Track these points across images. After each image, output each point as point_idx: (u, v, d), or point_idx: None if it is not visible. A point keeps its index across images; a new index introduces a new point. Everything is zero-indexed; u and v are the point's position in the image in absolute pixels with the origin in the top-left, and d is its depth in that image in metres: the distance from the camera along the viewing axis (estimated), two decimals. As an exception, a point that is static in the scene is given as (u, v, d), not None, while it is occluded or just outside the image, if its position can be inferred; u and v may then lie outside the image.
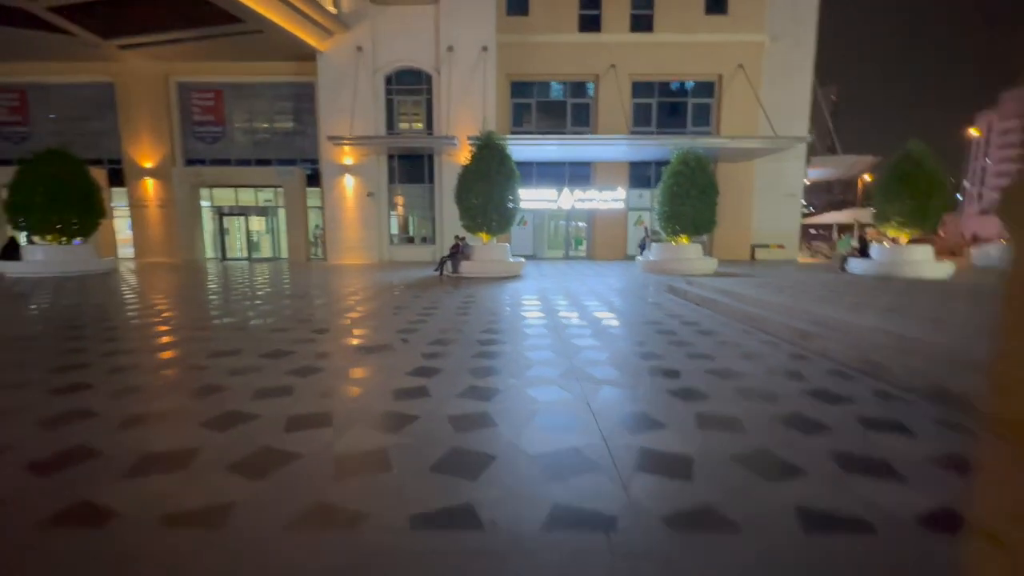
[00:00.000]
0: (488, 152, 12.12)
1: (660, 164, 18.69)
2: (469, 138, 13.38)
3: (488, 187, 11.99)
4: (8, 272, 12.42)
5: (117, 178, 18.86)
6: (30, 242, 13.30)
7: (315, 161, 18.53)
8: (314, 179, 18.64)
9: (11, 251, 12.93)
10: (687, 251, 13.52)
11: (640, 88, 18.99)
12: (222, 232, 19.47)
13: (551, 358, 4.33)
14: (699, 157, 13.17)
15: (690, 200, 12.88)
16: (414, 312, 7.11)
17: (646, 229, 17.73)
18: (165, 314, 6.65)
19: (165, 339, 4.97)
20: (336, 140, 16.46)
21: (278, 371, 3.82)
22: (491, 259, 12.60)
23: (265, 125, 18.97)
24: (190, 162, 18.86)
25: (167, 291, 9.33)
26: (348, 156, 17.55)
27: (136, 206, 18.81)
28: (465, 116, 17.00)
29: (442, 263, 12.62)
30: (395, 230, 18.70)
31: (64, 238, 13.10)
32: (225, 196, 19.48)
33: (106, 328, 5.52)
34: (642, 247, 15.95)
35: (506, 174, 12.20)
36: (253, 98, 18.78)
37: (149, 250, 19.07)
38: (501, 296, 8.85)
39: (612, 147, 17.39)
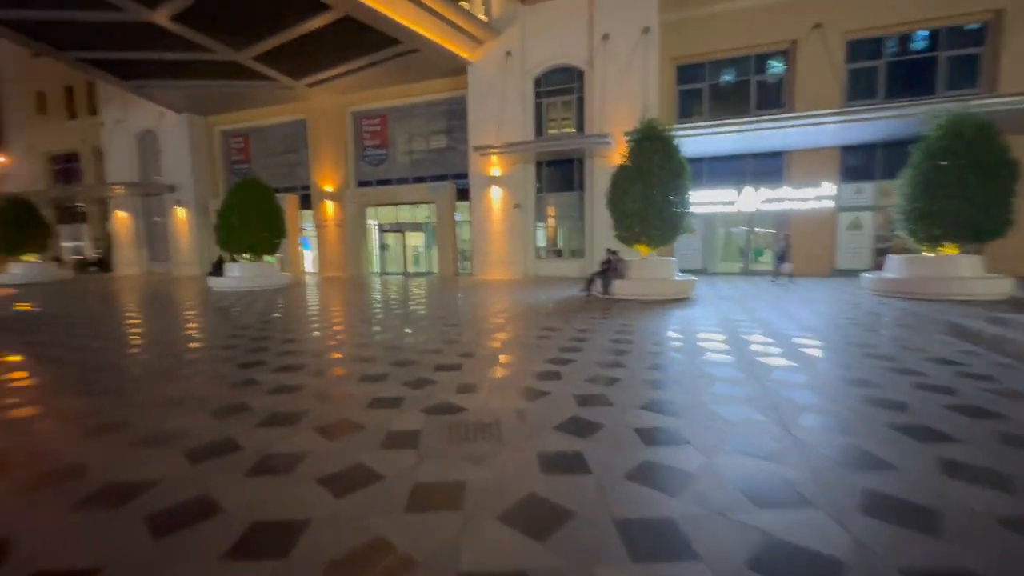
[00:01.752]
0: (648, 145, 9.83)
1: (893, 145, 13.82)
2: (625, 133, 11.23)
3: (648, 188, 9.68)
4: (215, 286, 14.42)
5: (306, 202, 21.47)
6: (232, 260, 15.37)
7: (465, 175, 18.38)
8: (464, 194, 18.50)
9: (218, 268, 15.07)
10: (958, 265, 9.12)
11: (859, 49, 14.41)
12: (383, 248, 20.65)
13: (779, 486, 2.06)
14: (982, 124, 8.78)
15: (967, 189, 8.58)
16: (542, 358, 5.20)
17: (785, 237, 13.65)
18: (314, 334, 6.01)
19: (308, 366, 4.02)
20: (482, 150, 15.88)
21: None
22: (651, 277, 10.19)
23: (421, 143, 19.57)
24: (360, 184, 20.46)
25: (324, 304, 9.38)
26: (495, 167, 16.87)
27: (318, 226, 21.10)
28: (621, 110, 14.86)
29: (590, 281, 10.65)
30: (542, 243, 17.40)
31: (256, 256, 14.81)
32: (387, 214, 20.65)
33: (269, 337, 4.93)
34: (780, 259, 13.25)
35: (673, 171, 9.75)
36: (411, 119, 19.56)
37: (327, 265, 21.20)
38: (666, 329, 6.51)
39: (815, 129, 13.31)
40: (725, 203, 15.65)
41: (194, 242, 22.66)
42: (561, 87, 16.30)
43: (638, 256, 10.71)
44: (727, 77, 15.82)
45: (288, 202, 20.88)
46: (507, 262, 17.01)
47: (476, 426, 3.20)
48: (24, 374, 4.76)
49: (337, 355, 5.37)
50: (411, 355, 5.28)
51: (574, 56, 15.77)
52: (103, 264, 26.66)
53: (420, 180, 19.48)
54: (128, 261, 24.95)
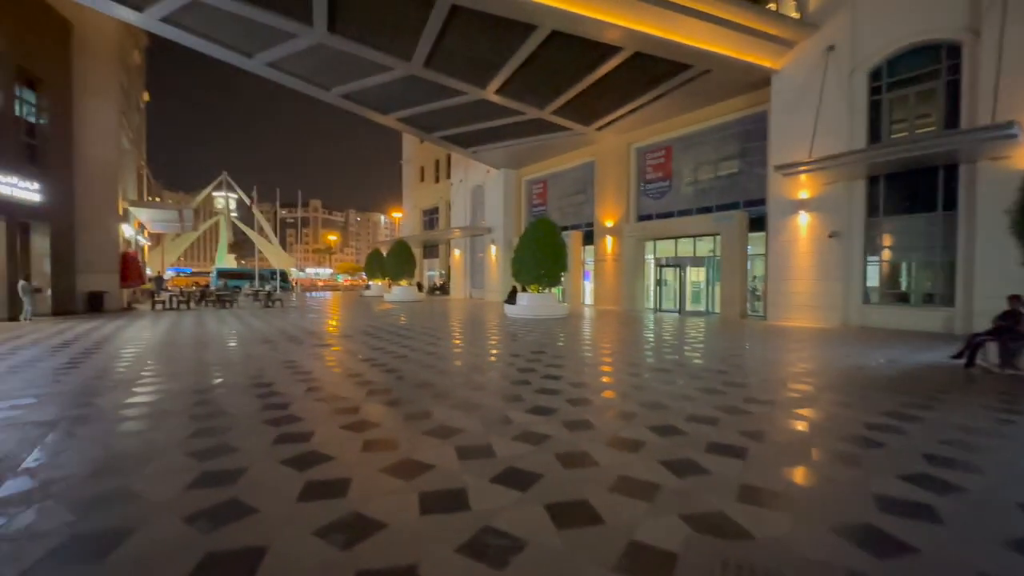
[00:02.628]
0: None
1: None
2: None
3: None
4: (508, 312, 16.50)
5: (589, 238, 22.68)
6: (523, 290, 17.33)
7: (761, 202, 15.69)
8: (758, 223, 15.79)
9: (512, 296, 17.23)
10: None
11: None
12: (660, 283, 19.64)
13: None
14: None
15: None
16: (887, 471, 3.27)
17: None
18: (579, 376, 5.92)
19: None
20: (789, 169, 13.11)
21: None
22: None
23: (708, 171, 17.90)
24: (640, 218, 20.22)
25: (595, 339, 9.21)
26: (804, 189, 13.71)
27: (596, 260, 21.88)
28: (1038, 85, 9.72)
29: (974, 346, 7.00)
30: (874, 282, 13.00)
31: (543, 287, 16.27)
32: (665, 248, 19.64)
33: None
34: None
35: None
36: (697, 146, 18.17)
37: (602, 298, 21.66)
38: None
39: None
40: None
41: (500, 274, 27.04)
42: (917, 73, 12.03)
43: (1085, 310, 6.37)
44: None
45: (572, 238, 22.49)
46: (817, 305, 13.39)
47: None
48: (396, 363, 6.06)
49: (593, 398, 4.82)
50: (676, 419, 4.23)
51: (942, 28, 11.41)
52: (444, 289, 34.88)
53: (705, 210, 17.75)
54: (459, 287, 31.85)
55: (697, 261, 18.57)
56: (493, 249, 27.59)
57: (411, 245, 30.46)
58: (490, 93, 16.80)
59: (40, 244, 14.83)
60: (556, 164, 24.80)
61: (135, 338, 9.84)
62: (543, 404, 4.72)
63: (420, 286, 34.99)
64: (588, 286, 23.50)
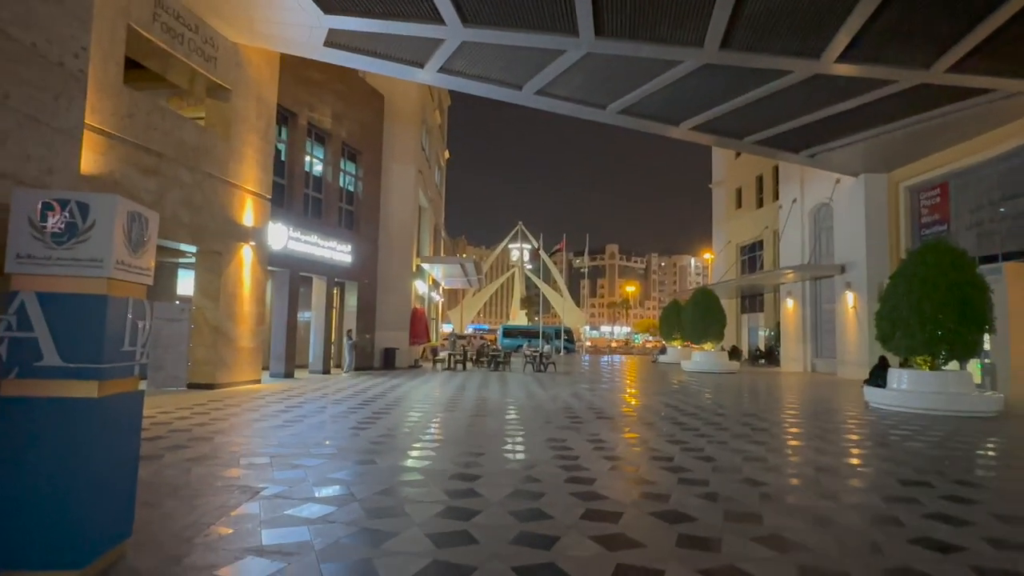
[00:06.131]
0: None
1: None
2: None
3: None
4: (871, 399, 12.81)
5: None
6: (903, 363, 13.24)
7: None
8: None
9: (880, 374, 13.35)
10: None
11: None
12: None
13: None
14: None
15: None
16: None
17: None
18: None
19: None
20: None
21: None
22: None
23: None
24: None
25: None
26: None
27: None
28: None
29: None
30: None
31: (941, 360, 12.11)
32: None
33: None
34: None
35: None
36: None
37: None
38: None
39: None
40: None
41: (861, 336, 22.08)
42: None
43: None
44: None
45: (1008, 274, 16.31)
46: None
47: None
48: (697, 468, 5.23)
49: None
50: None
51: None
52: (771, 356, 31.07)
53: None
54: (792, 356, 27.72)
55: None
56: (849, 298, 23.17)
57: (720, 295, 28.62)
58: (829, 63, 14.25)
59: (349, 302, 20.35)
60: (964, 154, 19.14)
61: (412, 397, 11.87)
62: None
63: (735, 351, 32.38)
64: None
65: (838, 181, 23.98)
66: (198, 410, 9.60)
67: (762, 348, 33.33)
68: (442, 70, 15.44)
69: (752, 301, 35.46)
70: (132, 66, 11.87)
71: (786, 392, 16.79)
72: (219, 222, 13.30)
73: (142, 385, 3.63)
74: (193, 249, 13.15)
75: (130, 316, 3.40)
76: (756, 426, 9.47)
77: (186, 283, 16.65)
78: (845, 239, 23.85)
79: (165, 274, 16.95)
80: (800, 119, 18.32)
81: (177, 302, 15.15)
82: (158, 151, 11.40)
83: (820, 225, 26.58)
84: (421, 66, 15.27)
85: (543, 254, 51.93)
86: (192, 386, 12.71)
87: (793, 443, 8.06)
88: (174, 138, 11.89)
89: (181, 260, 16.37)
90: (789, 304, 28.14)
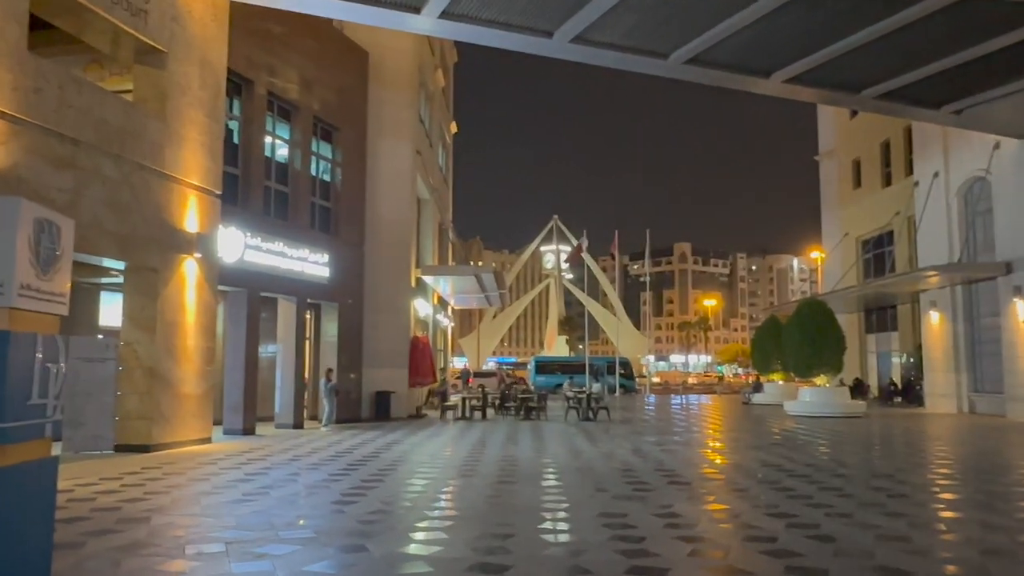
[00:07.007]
0: None
1: None
2: None
3: None
4: None
5: None
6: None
7: None
8: None
9: None
10: None
11: None
12: None
13: None
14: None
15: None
16: None
17: None
18: None
19: None
20: None
21: None
22: None
23: None
24: None
25: None
26: None
27: None
28: None
29: None
30: None
31: None
32: None
33: None
34: None
35: None
36: None
37: None
38: None
39: None
40: None
41: (1041, 361, 21.52)
42: None
43: None
44: None
45: None
46: None
47: None
48: None
49: None
50: None
51: None
52: (910, 393, 30.45)
53: None
54: (940, 391, 27.16)
55: None
56: (1020, 308, 22.60)
57: (836, 308, 28.22)
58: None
59: (328, 330, 20.55)
60: None
61: (414, 458, 11.88)
62: None
63: (859, 386, 31.73)
64: None
65: (997, 146, 23.57)
66: (129, 481, 9.75)
67: (897, 381, 32.72)
68: (445, 14, 15.50)
69: (881, 316, 35.15)
70: (38, 26, 12.08)
71: (933, 443, 16.52)
72: (153, 228, 13.60)
73: (56, 449, 3.67)
74: (121, 265, 13.43)
75: (39, 357, 3.42)
76: (894, 491, 9.29)
77: (112, 310, 16.84)
78: (1010, 226, 23.47)
79: (84, 299, 17.20)
80: (944, 60, 18.05)
81: (100, 336, 15.41)
82: (73, 136, 11.68)
83: (974, 208, 26.18)
84: (417, 11, 15.41)
85: (588, 258, 51.64)
86: (121, 448, 12.82)
87: (947, 514, 7.89)
88: (93, 118, 12.17)
89: (105, 280, 16.67)
90: (934, 319, 27.72)
